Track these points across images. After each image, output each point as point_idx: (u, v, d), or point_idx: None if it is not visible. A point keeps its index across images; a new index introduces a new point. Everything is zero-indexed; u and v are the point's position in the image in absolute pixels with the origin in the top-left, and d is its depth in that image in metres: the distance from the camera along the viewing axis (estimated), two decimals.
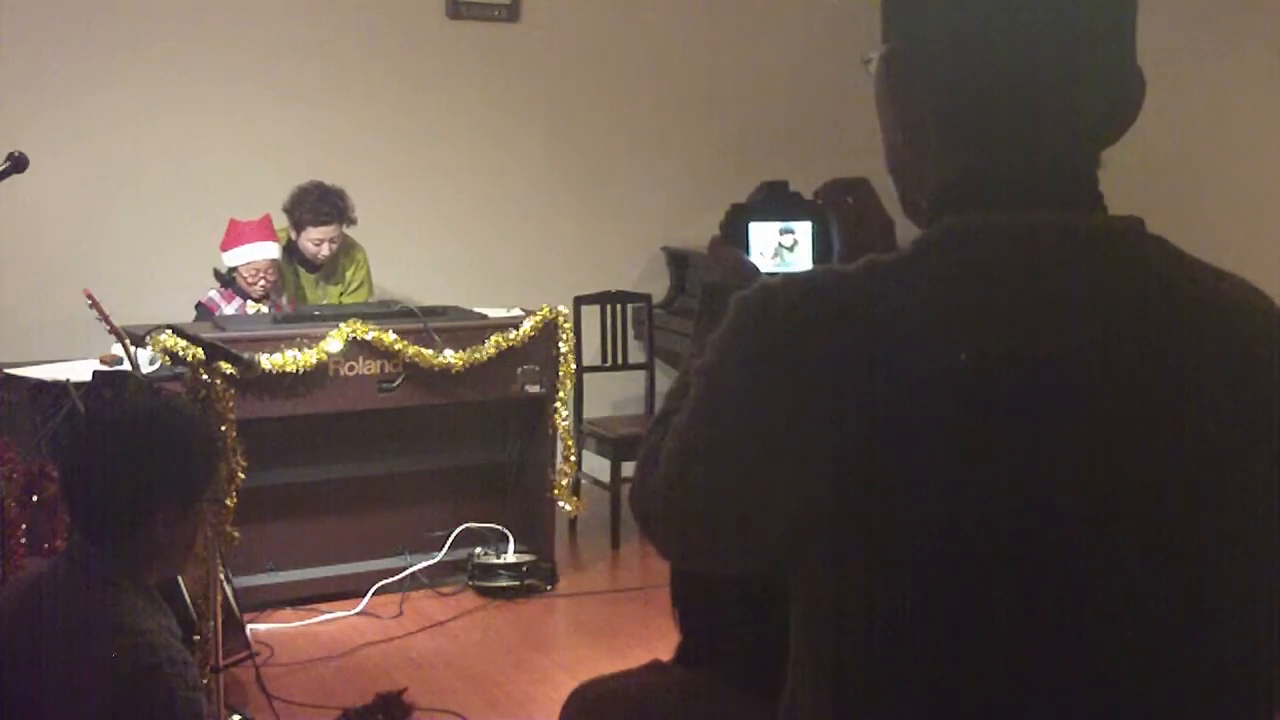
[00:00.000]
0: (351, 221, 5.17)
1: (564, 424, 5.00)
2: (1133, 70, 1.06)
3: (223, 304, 4.96)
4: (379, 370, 4.65)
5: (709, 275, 1.34)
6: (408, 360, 4.65)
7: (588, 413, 5.76)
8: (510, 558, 4.93)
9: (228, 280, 4.98)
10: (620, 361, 5.94)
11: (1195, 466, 0.98)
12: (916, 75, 1.07)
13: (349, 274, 5.34)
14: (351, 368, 4.60)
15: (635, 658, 2.13)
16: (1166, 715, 0.99)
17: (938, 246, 1.01)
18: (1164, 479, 0.97)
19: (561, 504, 5.09)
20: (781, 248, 1.32)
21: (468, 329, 4.84)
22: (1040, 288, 0.99)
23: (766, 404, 0.99)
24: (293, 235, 5.17)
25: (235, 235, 4.93)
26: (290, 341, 4.49)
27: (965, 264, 1.00)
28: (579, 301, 5.75)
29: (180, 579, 3.55)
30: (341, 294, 5.32)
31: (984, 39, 1.02)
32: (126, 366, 3.87)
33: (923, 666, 0.97)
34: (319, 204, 5.06)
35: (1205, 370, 1.00)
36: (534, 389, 4.92)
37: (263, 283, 4.95)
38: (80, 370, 4.03)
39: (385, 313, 4.82)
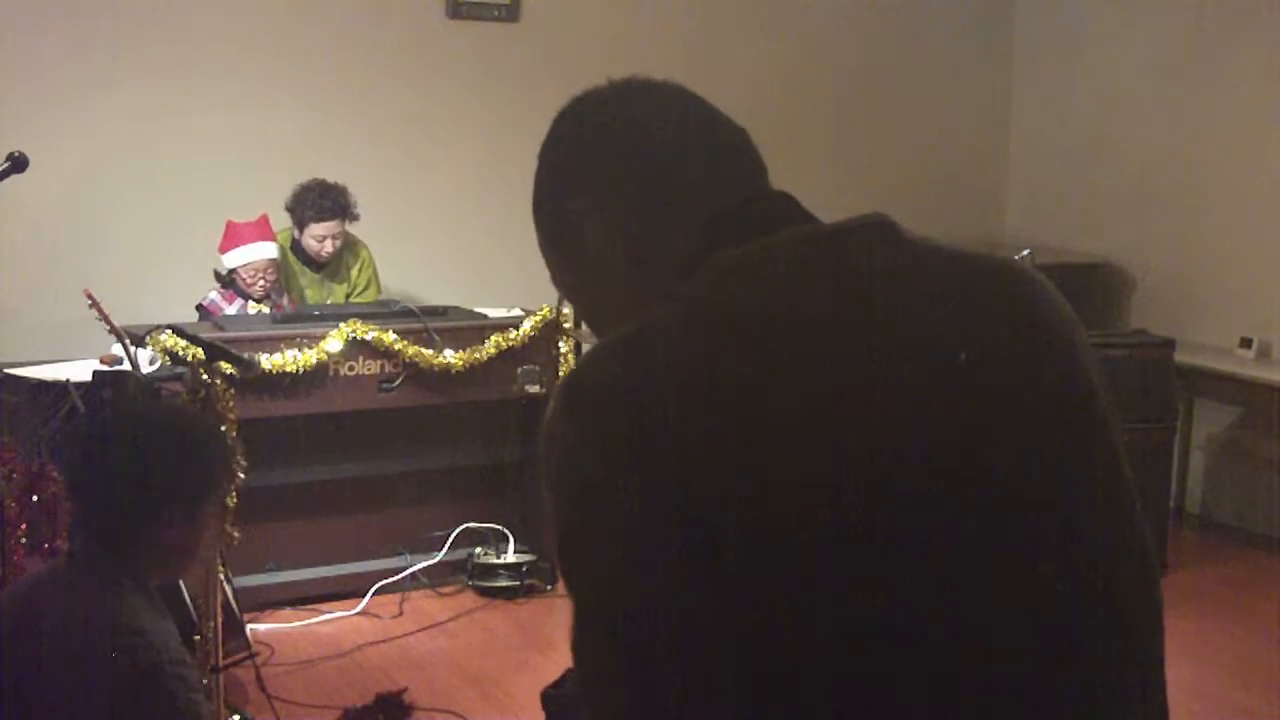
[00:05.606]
0: (354, 217, 5.17)
1: None
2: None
3: (224, 305, 4.96)
4: (379, 370, 4.65)
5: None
6: (408, 360, 4.65)
7: None
8: (510, 558, 4.93)
9: (227, 281, 4.98)
10: None
11: (1012, 418, 1.00)
12: (635, 210, 1.14)
13: (355, 274, 5.34)
14: (351, 368, 4.60)
15: None
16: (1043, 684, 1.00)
17: (729, 274, 1.02)
18: (996, 438, 0.99)
19: None
20: None
21: (468, 329, 4.84)
22: (846, 284, 1.01)
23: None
24: (296, 234, 5.17)
25: (233, 236, 4.93)
26: (290, 341, 4.49)
27: (768, 279, 1.01)
28: None
29: (180, 579, 3.55)
30: (349, 295, 5.31)
31: (675, 141, 1.17)
32: (126, 366, 3.87)
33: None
34: (321, 200, 5.06)
35: (1004, 329, 1.03)
36: (534, 389, 4.92)
37: (263, 283, 4.95)
38: (80, 370, 4.03)
39: (385, 313, 4.82)
